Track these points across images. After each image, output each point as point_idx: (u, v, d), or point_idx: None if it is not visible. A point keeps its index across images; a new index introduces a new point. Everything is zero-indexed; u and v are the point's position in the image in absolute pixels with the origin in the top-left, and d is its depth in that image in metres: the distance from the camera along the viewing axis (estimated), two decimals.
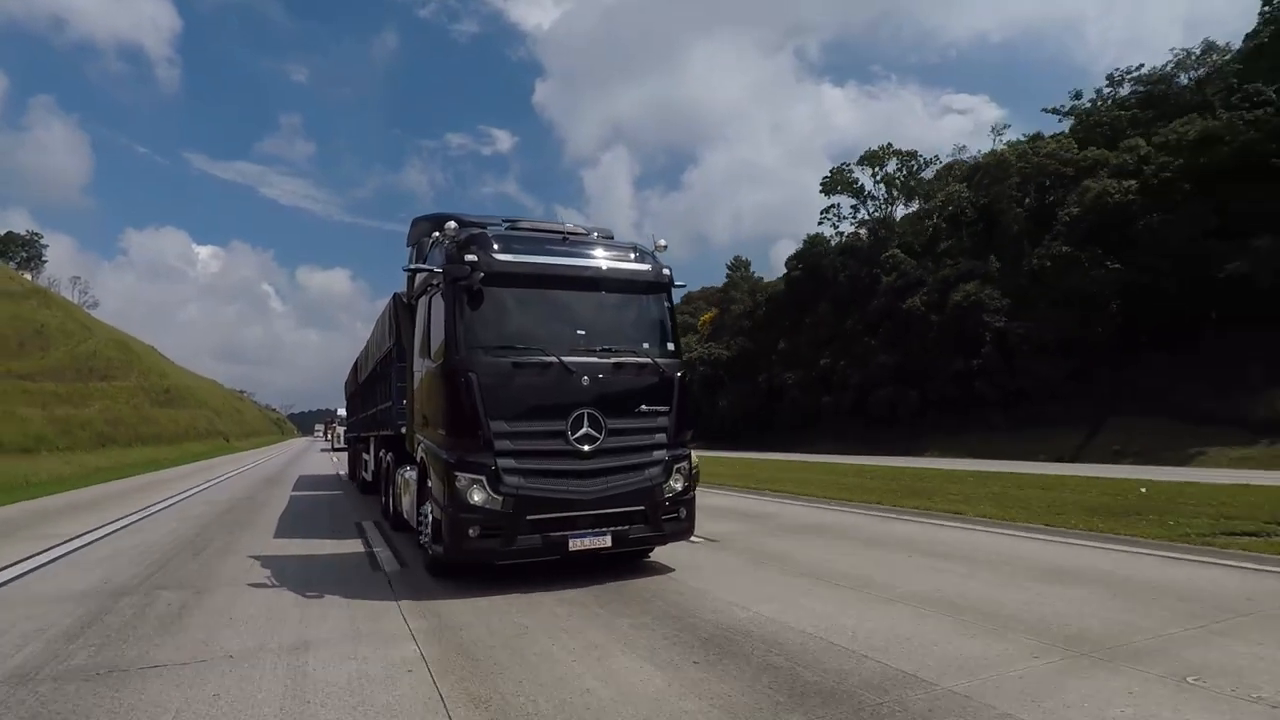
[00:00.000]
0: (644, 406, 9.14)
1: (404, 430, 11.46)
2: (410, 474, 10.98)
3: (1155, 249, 44.68)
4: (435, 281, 9.34)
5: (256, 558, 11.19)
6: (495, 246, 8.99)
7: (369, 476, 18.97)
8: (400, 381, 12.15)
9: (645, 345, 9.41)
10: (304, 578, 9.72)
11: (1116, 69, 61.11)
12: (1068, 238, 49.58)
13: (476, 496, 8.42)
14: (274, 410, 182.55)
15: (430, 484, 9.27)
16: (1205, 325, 43.35)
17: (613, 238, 10.32)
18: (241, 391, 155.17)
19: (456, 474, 8.47)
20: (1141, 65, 56.75)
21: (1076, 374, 48.22)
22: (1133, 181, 47.58)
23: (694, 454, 16.61)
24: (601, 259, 9.46)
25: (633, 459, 9.04)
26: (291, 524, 15.06)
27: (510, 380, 8.64)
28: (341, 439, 46.09)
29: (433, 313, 9.50)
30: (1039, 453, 38.95)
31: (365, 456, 20.02)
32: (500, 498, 8.42)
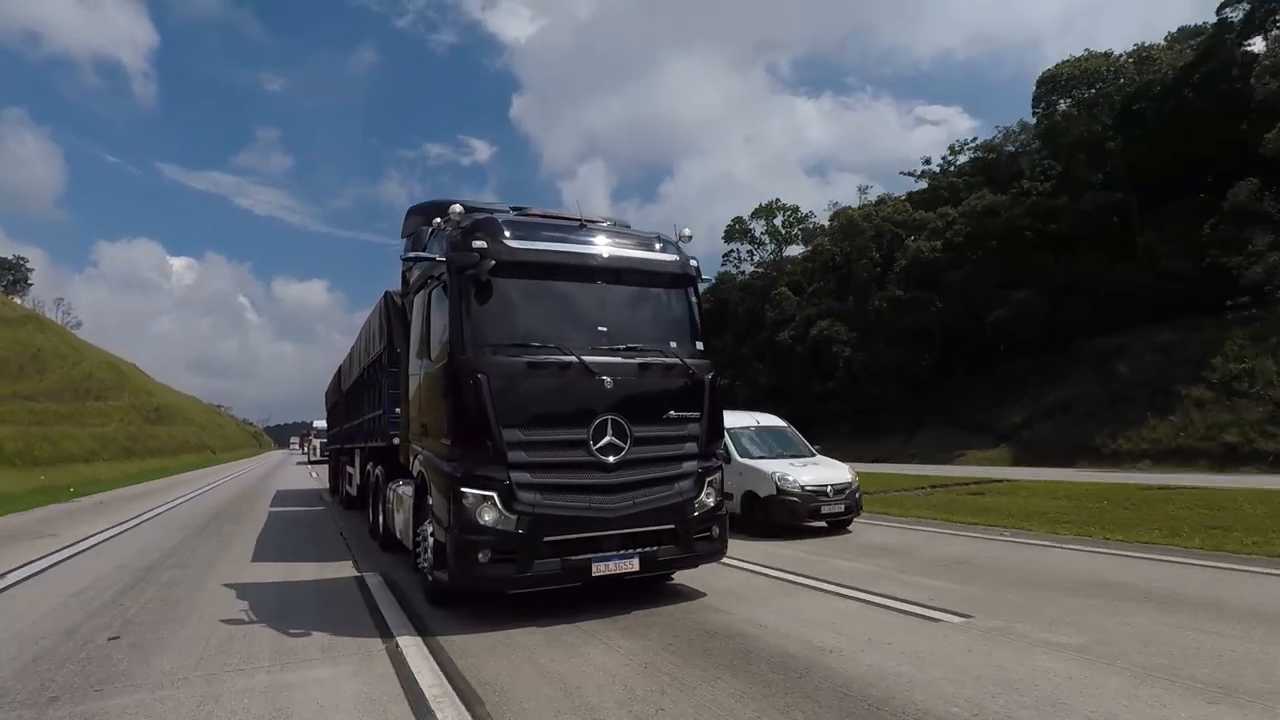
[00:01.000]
0: (673, 412, 6.66)
1: (397, 441, 8.72)
2: (404, 489, 8.29)
3: (959, 296, 45.37)
4: (437, 273, 6.77)
5: (231, 585, 8.12)
6: (506, 233, 6.50)
7: (353, 491, 14.78)
8: (393, 387, 9.23)
9: (672, 344, 6.91)
10: (285, 609, 6.95)
11: (957, 140, 61.10)
12: (901, 284, 49.89)
13: (487, 516, 5.97)
14: (251, 424, 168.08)
15: (431, 501, 6.71)
16: (995, 355, 44.70)
17: (629, 228, 7.72)
18: (219, 406, 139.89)
19: (464, 490, 6.03)
20: (976, 138, 56.50)
21: (905, 393, 48.42)
22: (939, 242, 48.09)
23: (849, 467, 12.06)
24: (623, 249, 6.96)
25: (661, 471, 6.57)
26: (271, 544, 11.46)
27: (524, 383, 6.19)
28: (319, 452, 40.30)
29: (433, 308, 6.94)
30: (867, 456, 38.57)
31: (350, 470, 15.55)
32: (514, 517, 5.99)
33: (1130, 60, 42.50)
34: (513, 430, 6.12)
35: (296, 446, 78.94)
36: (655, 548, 6.52)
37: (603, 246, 6.86)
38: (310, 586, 8.08)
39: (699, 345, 7.16)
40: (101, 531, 13.29)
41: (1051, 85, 45.20)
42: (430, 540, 6.71)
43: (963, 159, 54.94)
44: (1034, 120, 48.64)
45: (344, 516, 15.13)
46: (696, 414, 6.80)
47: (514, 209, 7.34)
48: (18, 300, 78.65)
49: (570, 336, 6.48)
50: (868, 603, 6.85)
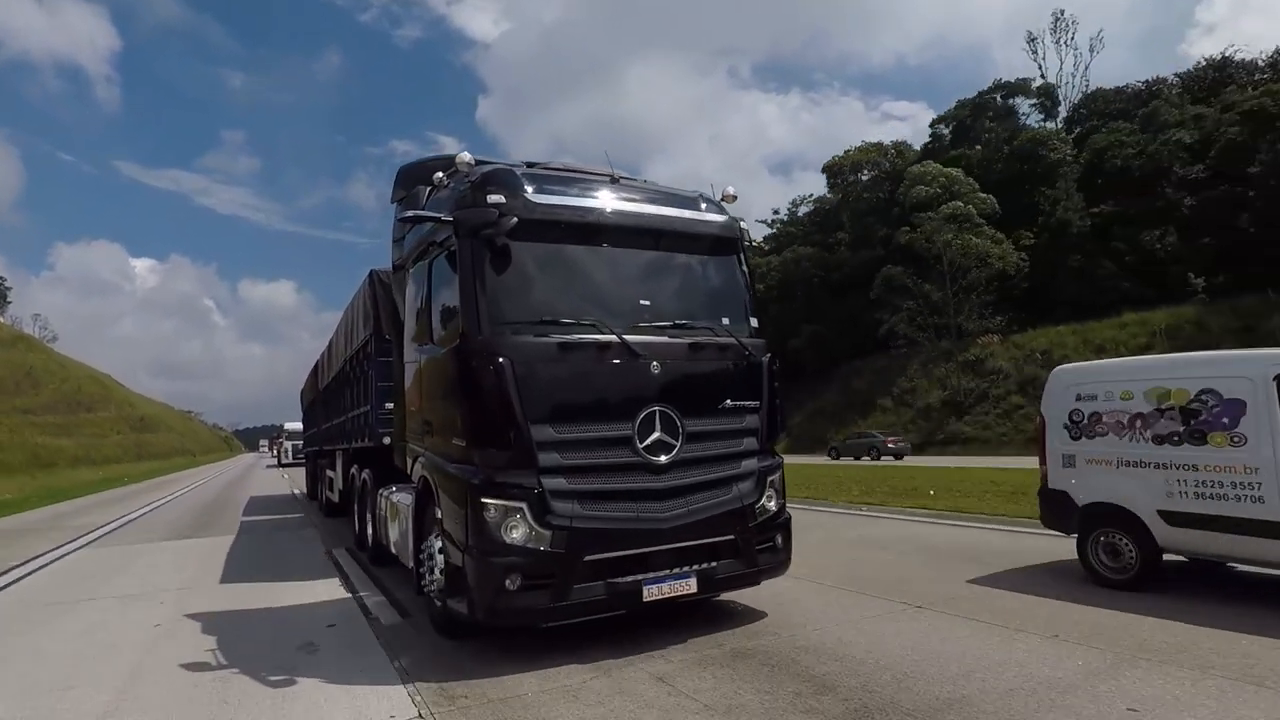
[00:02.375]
0: (729, 401, 4.87)
1: (387, 441, 6.56)
2: (400, 497, 6.04)
3: (776, 327, 47.79)
4: (441, 238, 4.73)
5: (194, 616, 5.91)
6: (528, 187, 4.57)
7: (335, 497, 11.53)
8: (383, 380, 6.82)
9: (725, 320, 5.04)
10: (264, 647, 4.81)
11: (799, 196, 63.42)
12: None
13: (516, 533, 4.14)
14: (221, 429, 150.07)
15: (440, 513, 4.62)
16: (802, 372, 49.50)
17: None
18: (189, 412, 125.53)
19: (485, 501, 4.14)
20: (813, 194, 59.27)
21: None
22: (761, 285, 52.21)
23: None
24: (665, 208, 5.05)
25: (718, 472, 4.72)
26: (245, 560, 8.71)
27: (555, 368, 4.34)
28: (290, 455, 35.51)
29: (437, 281, 4.89)
30: None
31: (331, 473, 12.15)
32: (548, 532, 4.15)
33: (894, 151, 50.10)
34: (543, 426, 4.17)
35: (266, 449, 70.98)
36: (713, 563, 4.59)
37: (641, 205, 4.89)
38: (298, 613, 5.86)
39: (753, 322, 5.23)
40: (173, 493, 22.70)
41: (836, 170, 52.10)
42: (439, 560, 4.59)
43: (805, 210, 57.46)
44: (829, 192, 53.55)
45: (325, 524, 12.02)
46: (755, 403, 4.92)
47: (527, 164, 5.25)
48: (2, 319, 72.50)
49: (607, 311, 4.55)
50: None
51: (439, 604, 4.72)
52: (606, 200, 4.79)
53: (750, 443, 4.91)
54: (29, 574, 8.49)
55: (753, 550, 4.83)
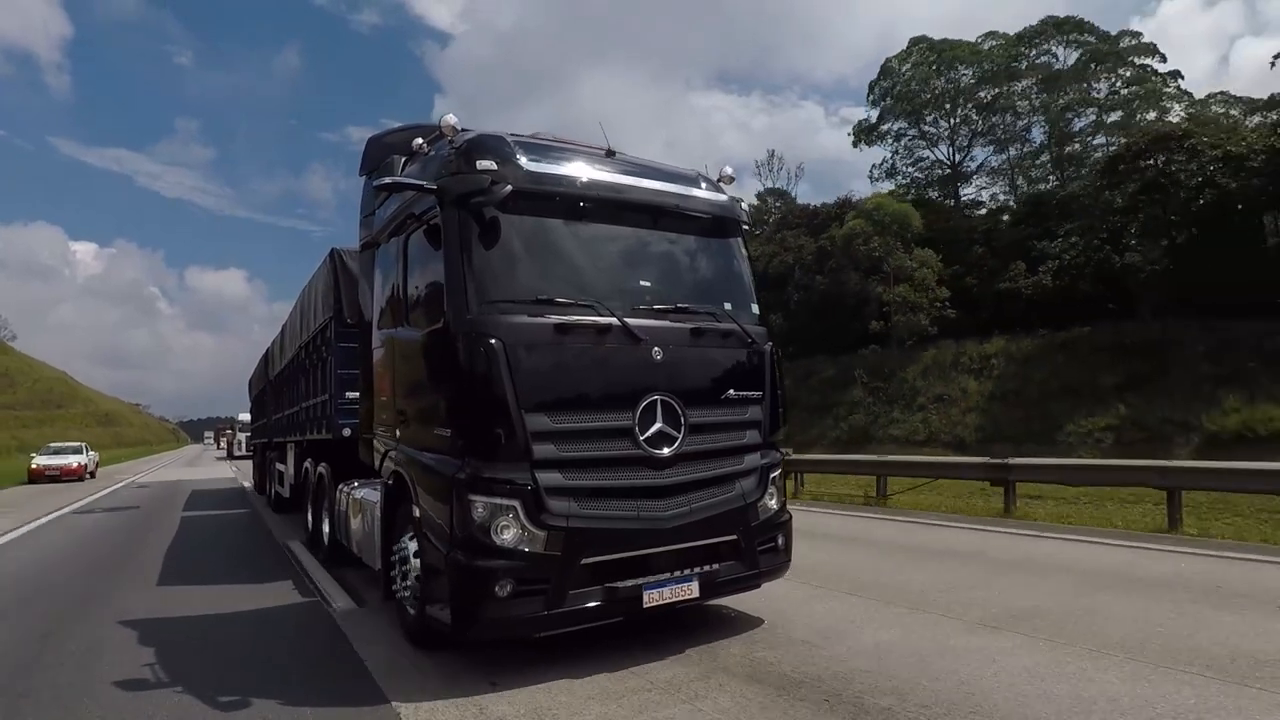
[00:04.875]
0: (732, 392, 4.44)
1: (348, 433, 5.99)
2: (364, 494, 5.46)
3: None
4: (420, 210, 4.19)
5: (129, 623, 5.14)
6: (521, 155, 4.08)
7: (285, 492, 10.54)
8: (345, 367, 6.20)
9: (726, 305, 4.59)
10: (212, 664, 4.16)
11: None
12: None
13: (508, 534, 3.63)
14: (168, 421, 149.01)
15: (418, 512, 4.10)
16: None
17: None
18: (137, 404, 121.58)
19: (473, 498, 3.64)
20: None
21: None
22: None
23: None
24: (667, 184, 4.60)
25: (721, 467, 4.28)
26: (186, 559, 7.79)
27: (550, 352, 3.87)
28: (243, 447, 33.20)
29: (414, 257, 4.35)
30: None
31: (281, 467, 11.05)
32: (543, 533, 3.66)
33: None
34: (537, 415, 3.71)
35: (210, 441, 68.15)
36: (715, 565, 4.16)
37: (642, 180, 4.44)
38: (249, 623, 5.21)
39: (755, 309, 4.82)
40: (170, 460, 41.93)
41: None
42: (414, 564, 4.09)
43: None
44: None
45: (274, 520, 11.10)
46: (758, 393, 4.52)
47: (512, 135, 4.62)
48: None
49: (604, 292, 4.09)
50: None
51: (410, 610, 4.24)
52: (605, 173, 4.35)
53: (753, 435, 4.52)
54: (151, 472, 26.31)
55: (754, 551, 4.44)
